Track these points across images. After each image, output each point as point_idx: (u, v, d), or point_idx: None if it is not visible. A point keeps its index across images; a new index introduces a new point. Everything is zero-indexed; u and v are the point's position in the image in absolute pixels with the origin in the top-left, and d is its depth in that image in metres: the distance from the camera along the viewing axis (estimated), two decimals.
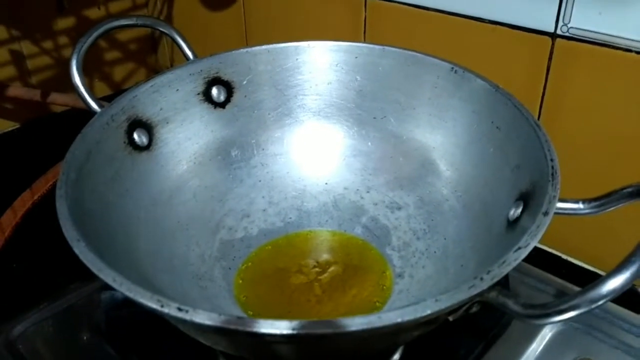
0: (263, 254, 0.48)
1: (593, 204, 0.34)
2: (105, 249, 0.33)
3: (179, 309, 0.26)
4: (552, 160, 0.35)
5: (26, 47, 0.77)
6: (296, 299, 0.44)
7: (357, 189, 0.51)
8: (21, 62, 0.78)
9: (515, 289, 0.48)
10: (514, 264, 0.28)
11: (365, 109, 0.51)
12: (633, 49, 0.45)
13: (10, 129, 0.80)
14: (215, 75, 0.49)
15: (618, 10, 0.45)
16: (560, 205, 0.33)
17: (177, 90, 0.47)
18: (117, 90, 0.89)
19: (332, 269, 0.46)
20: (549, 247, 0.56)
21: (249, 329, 0.26)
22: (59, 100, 0.75)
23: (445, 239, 0.45)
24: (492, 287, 0.28)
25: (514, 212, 0.37)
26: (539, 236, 0.30)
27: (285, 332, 0.25)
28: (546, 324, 0.44)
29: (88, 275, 0.29)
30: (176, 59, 0.92)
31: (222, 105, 0.50)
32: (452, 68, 0.46)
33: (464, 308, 0.30)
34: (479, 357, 0.43)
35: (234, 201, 0.50)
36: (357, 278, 0.45)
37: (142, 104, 0.45)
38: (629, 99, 0.46)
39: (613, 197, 0.33)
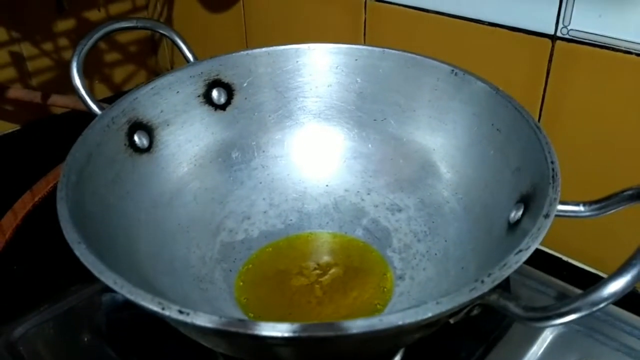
0: (264, 256, 0.48)
1: (594, 206, 0.34)
2: (105, 251, 0.33)
3: (180, 312, 0.26)
4: (552, 162, 0.35)
5: (26, 48, 0.77)
6: (297, 301, 0.44)
7: (358, 191, 0.51)
8: (21, 64, 0.78)
9: (516, 292, 0.48)
10: (515, 266, 0.28)
11: (366, 111, 0.51)
12: (633, 51, 0.45)
13: (10, 131, 0.80)
14: (216, 77, 0.49)
15: (618, 13, 0.45)
16: (561, 207, 0.33)
17: (178, 92, 0.47)
18: (117, 92, 0.89)
19: (332, 271, 0.46)
20: (550, 249, 0.56)
21: (250, 332, 0.26)
22: (59, 102, 0.75)
23: (446, 241, 0.45)
24: (493, 290, 0.28)
25: (515, 214, 0.37)
26: (540, 239, 0.30)
27: (286, 334, 0.25)
28: (547, 327, 0.44)
29: (89, 278, 0.29)
30: (176, 61, 0.92)
31: (223, 107, 0.50)
32: (452, 70, 0.46)
33: (465, 310, 0.30)
34: None
35: (235, 203, 0.50)
36: (358, 280, 0.45)
37: (143, 106, 0.45)
38: (629, 101, 0.46)
39: (614, 200, 0.33)
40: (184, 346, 0.42)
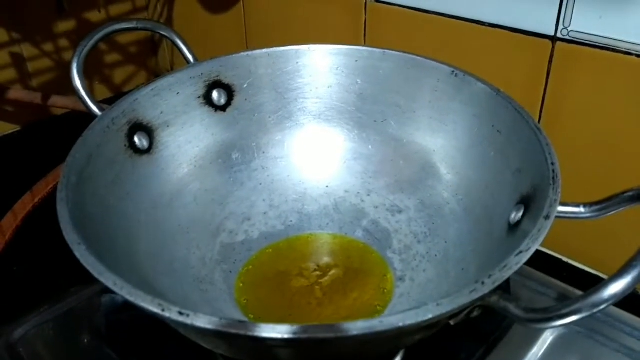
0: (264, 257, 0.48)
1: (594, 207, 0.34)
2: (105, 252, 0.33)
3: (180, 313, 0.26)
4: (553, 163, 0.35)
5: (27, 49, 0.77)
6: (297, 302, 0.44)
7: (358, 192, 0.51)
8: (22, 65, 0.78)
9: (516, 293, 0.48)
10: (516, 268, 0.28)
11: (366, 112, 0.51)
12: (633, 52, 0.45)
13: (10, 132, 0.80)
14: (216, 78, 0.49)
15: (618, 14, 0.45)
16: (561, 209, 0.33)
17: (178, 93, 0.47)
18: (118, 93, 0.89)
19: (332, 272, 0.46)
20: (550, 250, 0.56)
21: (250, 333, 0.26)
22: (59, 103, 0.75)
23: (446, 242, 0.45)
24: (493, 291, 0.28)
25: (515, 215, 0.37)
26: (541, 240, 0.30)
27: (286, 336, 0.25)
28: (548, 328, 0.44)
29: (88, 279, 0.29)
30: (176, 62, 0.92)
31: (223, 108, 0.50)
32: (453, 71, 0.46)
33: (466, 312, 0.30)
34: None
35: (235, 204, 0.50)
36: (358, 281, 0.45)
37: (143, 107, 0.45)
38: (630, 102, 0.46)
39: (614, 201, 0.33)
40: (184, 347, 0.42)
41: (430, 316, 0.26)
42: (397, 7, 0.58)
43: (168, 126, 0.47)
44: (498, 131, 0.42)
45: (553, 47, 0.49)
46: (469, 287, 0.27)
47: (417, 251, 0.46)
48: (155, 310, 0.27)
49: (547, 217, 0.31)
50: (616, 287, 0.25)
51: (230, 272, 0.46)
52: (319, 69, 0.51)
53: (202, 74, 0.48)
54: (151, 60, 0.94)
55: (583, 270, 0.55)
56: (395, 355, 0.41)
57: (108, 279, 0.28)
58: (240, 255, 0.47)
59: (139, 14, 0.87)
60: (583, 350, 0.44)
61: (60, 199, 0.34)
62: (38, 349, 0.45)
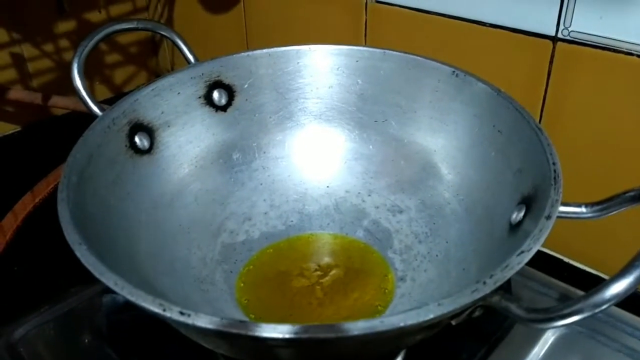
0: (264, 257, 0.48)
1: (595, 207, 0.34)
2: (106, 252, 0.33)
3: (181, 313, 0.26)
4: (554, 163, 0.35)
5: (27, 50, 0.77)
6: (298, 302, 0.44)
7: (359, 192, 0.51)
8: (22, 65, 0.78)
9: (517, 293, 0.48)
10: (517, 267, 0.28)
11: (367, 112, 0.51)
12: (634, 52, 0.45)
13: (11, 132, 0.80)
14: (217, 78, 0.49)
15: (619, 14, 0.45)
16: (562, 209, 0.33)
17: (179, 93, 0.47)
18: (118, 94, 0.89)
19: (333, 272, 0.46)
20: (551, 250, 0.56)
21: (251, 333, 0.25)
22: (59, 104, 0.75)
23: (447, 242, 0.45)
24: (495, 291, 0.28)
25: (516, 215, 0.37)
26: (542, 240, 0.30)
27: (287, 336, 0.25)
28: (549, 328, 0.44)
29: (89, 279, 0.29)
30: (177, 63, 0.92)
31: (224, 108, 0.50)
32: (453, 71, 0.46)
33: (467, 312, 0.30)
34: None
35: (236, 204, 0.50)
36: (359, 281, 0.45)
37: (144, 108, 0.45)
38: (630, 102, 0.46)
39: (616, 201, 0.33)
40: (185, 347, 0.42)
41: (431, 316, 0.26)
42: (397, 8, 0.58)
43: (169, 126, 0.47)
44: (499, 131, 0.42)
45: (554, 48, 0.49)
46: (471, 287, 0.27)
47: (418, 251, 0.46)
48: (157, 310, 0.27)
49: (548, 217, 0.31)
50: (618, 287, 0.25)
51: (231, 272, 0.46)
52: (320, 69, 0.51)
53: (202, 74, 0.48)
54: (151, 60, 0.94)
55: (584, 271, 0.55)
56: (396, 355, 0.41)
57: (109, 279, 0.28)
58: (241, 255, 0.47)
59: (139, 14, 0.87)
60: (584, 350, 0.43)
61: (61, 199, 0.34)
62: (39, 349, 0.45)
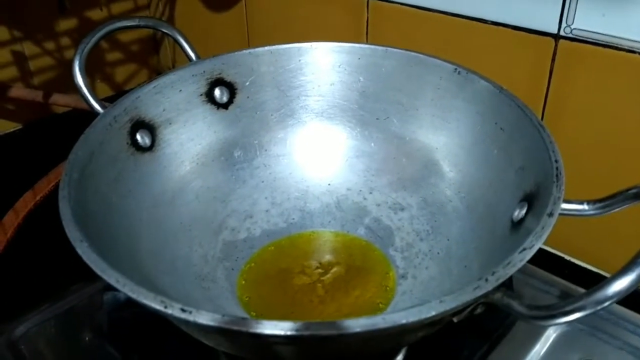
0: (266, 255, 0.48)
1: (598, 205, 0.34)
2: (107, 250, 0.33)
3: (183, 310, 0.26)
4: (556, 161, 0.35)
5: (28, 48, 0.77)
6: (299, 300, 0.44)
7: (360, 190, 0.51)
8: (23, 63, 0.78)
9: (519, 291, 0.48)
10: (519, 265, 0.28)
11: (368, 110, 0.51)
12: (636, 50, 0.45)
13: (12, 130, 0.80)
14: (218, 76, 0.49)
15: (621, 12, 0.45)
16: (564, 206, 0.33)
17: (180, 91, 0.47)
18: (119, 92, 0.89)
19: (334, 269, 0.46)
20: (553, 248, 0.56)
21: (252, 330, 0.25)
22: (61, 101, 0.75)
23: (448, 240, 0.45)
24: (497, 289, 0.28)
25: (518, 213, 0.37)
26: (544, 237, 0.30)
27: (288, 333, 0.25)
28: (551, 325, 0.44)
29: (90, 276, 0.29)
30: (178, 60, 0.92)
31: (225, 106, 0.50)
32: (455, 69, 0.46)
33: (469, 309, 0.29)
34: (483, 358, 0.42)
35: (237, 202, 0.50)
36: (360, 279, 0.45)
37: (145, 105, 0.45)
38: (633, 99, 0.46)
39: (618, 198, 0.33)
40: (186, 345, 0.42)
41: (433, 313, 0.26)
42: (399, 5, 0.58)
43: (170, 124, 0.47)
44: (501, 129, 0.42)
45: (556, 45, 0.49)
46: (473, 284, 0.27)
47: (420, 249, 0.46)
48: (158, 307, 0.27)
49: (550, 215, 0.31)
50: (620, 284, 0.25)
51: (232, 269, 0.46)
52: (321, 66, 0.51)
53: (204, 71, 0.48)
54: (153, 58, 0.94)
55: (585, 269, 0.55)
56: (397, 353, 0.41)
57: (110, 276, 0.28)
58: (242, 252, 0.47)
59: (140, 12, 0.87)
60: (586, 347, 0.43)
61: (62, 196, 0.34)
62: (40, 346, 0.45)
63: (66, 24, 0.79)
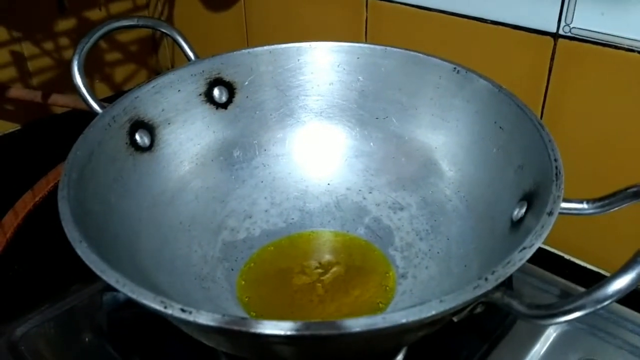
0: (265, 255, 0.48)
1: (597, 204, 0.34)
2: (107, 250, 0.33)
3: (183, 310, 0.26)
4: (556, 160, 0.35)
5: (27, 48, 0.77)
6: (299, 300, 0.44)
7: (360, 190, 0.51)
8: (22, 64, 0.78)
9: (518, 290, 0.48)
10: (519, 264, 0.28)
11: (368, 109, 0.51)
12: (635, 49, 0.45)
13: (11, 131, 0.80)
14: (217, 76, 0.49)
15: (620, 11, 0.45)
16: (564, 205, 0.33)
17: (179, 91, 0.47)
18: (118, 92, 0.89)
19: (334, 269, 0.46)
20: (552, 247, 0.56)
21: (252, 330, 0.25)
22: (59, 102, 0.75)
23: (448, 239, 0.45)
24: (496, 288, 0.28)
25: (518, 212, 0.37)
26: (544, 236, 0.30)
27: (289, 333, 0.25)
28: (551, 325, 0.44)
29: (90, 277, 0.29)
30: (177, 61, 0.92)
31: (224, 106, 0.50)
32: (455, 68, 0.46)
33: (469, 309, 0.29)
34: (483, 358, 0.42)
35: (236, 202, 0.50)
36: (360, 279, 0.45)
37: (144, 105, 0.45)
38: (632, 98, 0.46)
39: (617, 197, 0.33)
40: (186, 345, 0.42)
41: (433, 313, 0.26)
42: (398, 5, 0.58)
43: (169, 124, 0.47)
44: (500, 128, 0.42)
45: (555, 44, 0.49)
46: (473, 284, 0.27)
47: (419, 248, 0.46)
48: (158, 307, 0.27)
49: (550, 214, 0.31)
50: (620, 283, 0.25)
51: (232, 269, 0.46)
52: (321, 66, 0.50)
53: (203, 71, 0.48)
54: (152, 58, 0.94)
55: (585, 268, 0.55)
56: (397, 352, 0.41)
57: (110, 277, 0.28)
58: (241, 252, 0.47)
59: (139, 12, 0.87)
60: (586, 347, 0.43)
61: (62, 196, 0.34)
62: (39, 347, 0.45)
63: (65, 24, 0.79)
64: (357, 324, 0.25)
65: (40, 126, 0.82)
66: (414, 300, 0.42)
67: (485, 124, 0.43)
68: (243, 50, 0.50)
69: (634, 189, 0.33)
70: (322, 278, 0.46)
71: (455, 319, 0.30)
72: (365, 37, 0.63)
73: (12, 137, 0.80)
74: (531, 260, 0.29)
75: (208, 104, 0.49)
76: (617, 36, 0.45)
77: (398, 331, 0.27)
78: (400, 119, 0.49)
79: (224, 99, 0.50)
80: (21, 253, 0.54)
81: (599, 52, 0.47)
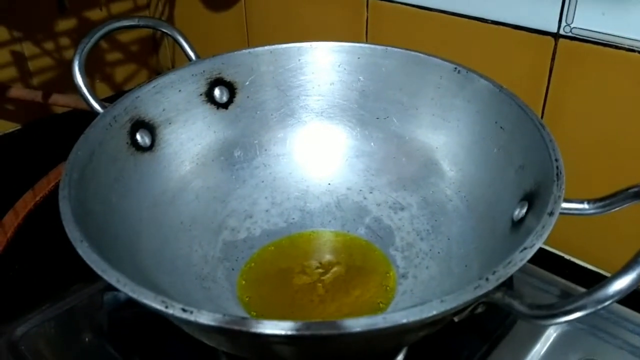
0: (266, 255, 0.48)
1: (598, 204, 0.34)
2: (108, 250, 0.33)
3: (184, 310, 0.26)
4: (556, 160, 0.35)
5: (27, 48, 0.77)
6: (299, 300, 0.44)
7: (360, 190, 0.51)
8: (22, 64, 0.78)
9: (519, 290, 0.47)
10: (520, 264, 0.28)
11: (368, 109, 0.51)
12: (636, 49, 0.45)
13: (11, 130, 0.80)
14: (218, 76, 0.49)
15: (621, 11, 0.45)
16: (565, 205, 0.33)
17: (180, 91, 0.47)
18: (119, 92, 0.89)
19: (335, 269, 0.46)
20: (553, 248, 0.56)
21: (253, 330, 0.25)
22: (60, 102, 0.75)
23: (449, 239, 0.45)
24: (497, 288, 0.28)
25: (519, 212, 0.37)
26: (545, 236, 0.30)
27: (289, 333, 0.25)
28: (552, 325, 0.44)
29: (91, 276, 0.29)
30: (177, 60, 0.92)
31: (225, 106, 0.50)
32: (456, 68, 0.46)
33: (469, 309, 0.29)
34: (484, 358, 0.42)
35: (237, 202, 0.50)
36: (361, 279, 0.45)
37: (145, 105, 0.45)
38: (632, 98, 0.46)
39: (618, 197, 0.33)
40: (187, 345, 0.42)
41: (434, 313, 0.26)
42: (399, 5, 0.58)
43: (170, 123, 0.47)
44: (501, 128, 0.42)
45: (556, 44, 0.49)
46: (473, 284, 0.27)
47: (420, 248, 0.46)
48: (159, 307, 0.27)
49: (551, 214, 0.31)
50: (621, 284, 0.25)
51: (233, 269, 0.46)
52: (321, 66, 0.50)
53: (203, 71, 0.48)
54: (152, 58, 0.94)
55: (585, 268, 0.55)
56: (398, 353, 0.41)
57: (111, 276, 0.28)
58: (242, 252, 0.47)
59: (140, 12, 0.87)
60: (586, 347, 0.43)
61: (62, 196, 0.34)
62: (40, 347, 0.45)
63: (66, 24, 0.79)
64: (357, 324, 0.25)
65: (41, 126, 0.82)
66: (414, 300, 0.42)
67: (486, 124, 0.43)
68: (244, 50, 0.50)
69: (635, 189, 0.33)
70: (322, 278, 0.46)
71: (456, 319, 0.30)
72: (365, 37, 0.63)
73: (13, 137, 0.80)
74: (532, 260, 0.29)
75: (209, 104, 0.49)
76: (618, 36, 0.45)
77: (399, 331, 0.27)
78: (401, 119, 0.49)
79: (224, 99, 0.50)
80: (22, 253, 0.54)
81: (599, 52, 0.47)
